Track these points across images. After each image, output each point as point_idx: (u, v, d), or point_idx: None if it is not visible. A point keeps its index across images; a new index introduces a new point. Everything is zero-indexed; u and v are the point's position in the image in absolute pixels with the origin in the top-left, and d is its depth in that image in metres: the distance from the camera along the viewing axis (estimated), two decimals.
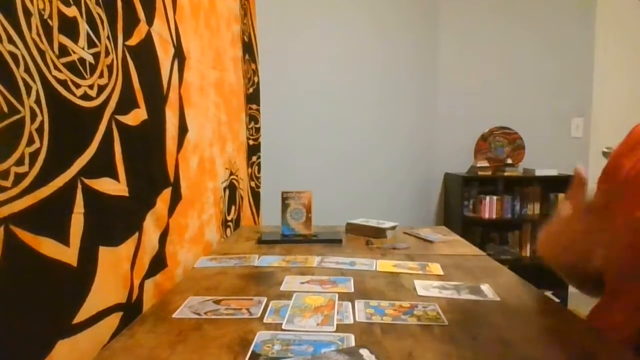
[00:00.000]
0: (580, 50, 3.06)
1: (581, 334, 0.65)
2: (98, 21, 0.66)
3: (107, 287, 0.66)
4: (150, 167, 0.84)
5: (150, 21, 0.84)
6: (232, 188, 1.45)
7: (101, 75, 0.66)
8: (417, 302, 0.75)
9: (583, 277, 0.76)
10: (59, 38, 0.57)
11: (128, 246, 0.73)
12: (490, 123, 3.08)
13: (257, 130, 1.88)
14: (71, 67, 0.59)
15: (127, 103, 0.74)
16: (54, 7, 0.56)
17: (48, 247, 0.53)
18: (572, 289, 2.94)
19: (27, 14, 0.51)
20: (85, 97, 0.62)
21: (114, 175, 0.69)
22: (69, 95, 0.58)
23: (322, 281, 0.87)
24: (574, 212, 0.69)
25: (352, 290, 0.82)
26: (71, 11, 0.59)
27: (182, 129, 1.00)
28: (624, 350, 0.59)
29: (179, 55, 0.99)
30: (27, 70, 0.50)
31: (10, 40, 0.48)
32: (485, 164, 2.98)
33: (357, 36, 2.71)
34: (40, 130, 0.52)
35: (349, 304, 0.74)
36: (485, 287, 0.83)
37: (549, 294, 0.78)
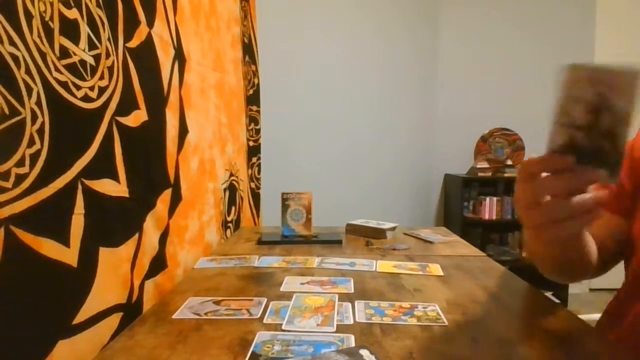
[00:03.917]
0: (580, 51, 3.07)
1: (581, 333, 0.65)
2: (99, 23, 0.66)
3: (107, 288, 0.66)
4: (151, 168, 0.85)
5: (150, 23, 0.85)
6: (232, 189, 1.46)
7: (102, 77, 0.66)
8: (417, 303, 0.75)
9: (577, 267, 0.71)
10: (60, 40, 0.57)
11: (128, 247, 0.73)
12: (490, 124, 3.09)
13: (257, 131, 1.88)
14: (72, 68, 0.59)
15: (127, 104, 0.75)
16: (55, 9, 0.56)
17: (48, 247, 0.53)
18: (572, 290, 2.94)
19: (29, 15, 0.51)
20: (86, 98, 0.62)
21: (115, 177, 0.70)
22: (69, 96, 0.58)
23: (322, 282, 0.87)
24: None
25: (352, 290, 0.82)
26: (72, 13, 0.60)
27: (183, 131, 1.00)
28: (624, 351, 0.60)
29: (180, 57, 0.99)
30: (28, 71, 0.50)
31: (12, 42, 0.48)
32: (485, 165, 2.99)
33: (357, 37, 2.71)
34: (40, 132, 0.52)
35: (349, 304, 0.74)
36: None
37: (549, 294, 0.78)
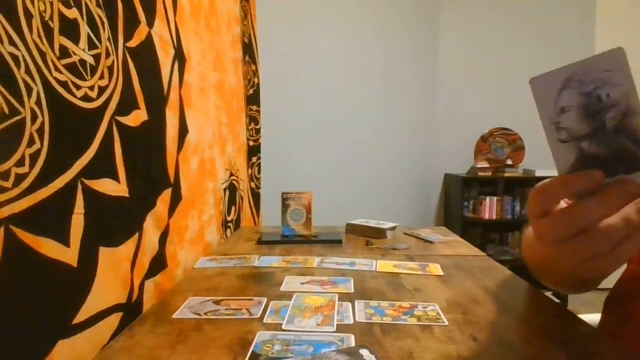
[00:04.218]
0: (580, 51, 3.06)
1: (581, 333, 0.65)
2: (99, 23, 0.66)
3: (107, 288, 0.66)
4: (151, 167, 0.85)
5: (150, 23, 0.85)
6: (232, 189, 1.46)
7: (102, 77, 0.66)
8: (417, 303, 0.75)
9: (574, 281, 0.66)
10: (60, 39, 0.57)
11: (128, 247, 0.73)
12: (490, 124, 3.09)
13: (257, 131, 1.88)
14: (72, 68, 0.59)
15: (127, 104, 0.75)
16: (54, 9, 0.56)
17: (48, 247, 0.53)
18: None
19: (28, 15, 0.51)
20: (86, 98, 0.62)
21: (114, 176, 0.70)
22: (69, 96, 0.58)
23: (322, 281, 0.87)
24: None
25: (352, 290, 0.82)
26: (72, 13, 0.60)
27: (183, 130, 1.00)
28: (625, 350, 0.60)
29: (180, 57, 0.99)
30: (27, 71, 0.50)
31: (11, 42, 0.48)
32: (485, 164, 2.99)
33: (357, 36, 2.71)
34: (40, 131, 0.52)
35: (349, 304, 0.74)
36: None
37: (549, 294, 0.78)
